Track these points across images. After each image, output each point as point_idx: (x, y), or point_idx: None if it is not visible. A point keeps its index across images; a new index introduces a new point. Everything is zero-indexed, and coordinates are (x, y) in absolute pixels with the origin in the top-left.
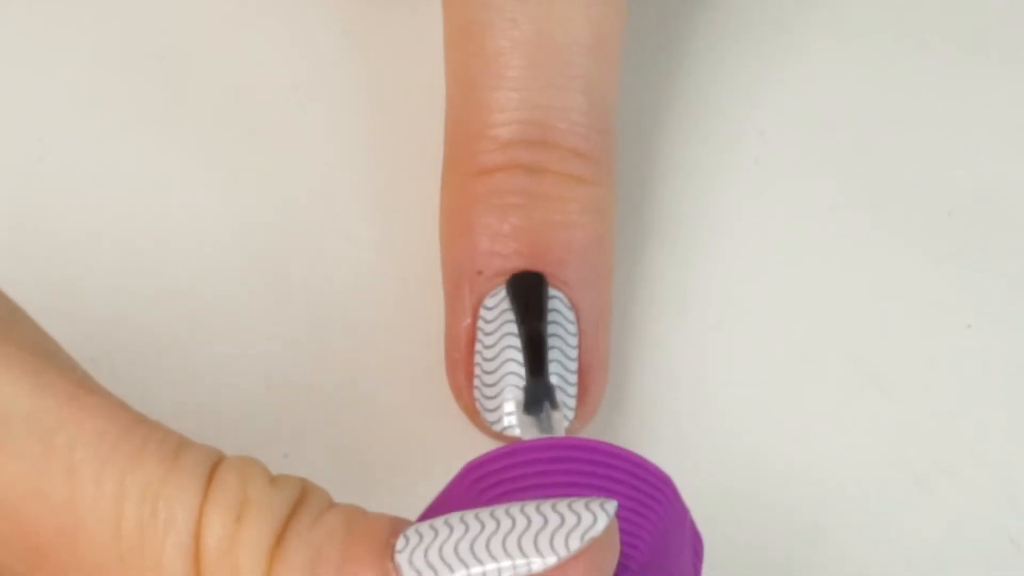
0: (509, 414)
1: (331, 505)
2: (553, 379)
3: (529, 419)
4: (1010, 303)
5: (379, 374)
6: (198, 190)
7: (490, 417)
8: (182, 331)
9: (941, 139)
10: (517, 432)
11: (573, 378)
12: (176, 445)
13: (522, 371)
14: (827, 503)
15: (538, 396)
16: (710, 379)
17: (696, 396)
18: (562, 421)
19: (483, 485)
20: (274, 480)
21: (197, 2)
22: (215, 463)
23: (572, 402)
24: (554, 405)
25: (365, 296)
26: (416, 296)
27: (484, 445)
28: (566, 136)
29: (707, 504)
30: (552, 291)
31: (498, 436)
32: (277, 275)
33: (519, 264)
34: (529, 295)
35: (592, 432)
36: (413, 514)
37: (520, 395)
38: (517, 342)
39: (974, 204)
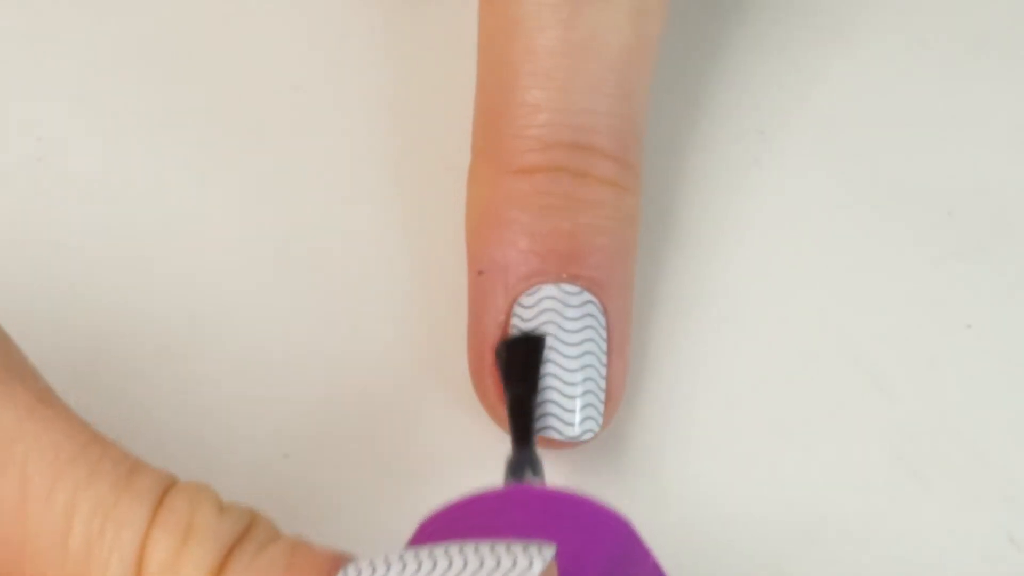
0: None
1: (276, 537)
2: (588, 385)
3: (512, 482)
4: (1010, 303)
5: (379, 374)
6: (198, 190)
7: None
8: (182, 331)
9: (941, 139)
10: (553, 435)
11: (603, 383)
12: (130, 467)
13: (561, 375)
14: (827, 502)
15: (521, 463)
16: (709, 378)
17: (695, 396)
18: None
19: (436, 537)
20: (224, 508)
21: (197, 2)
22: (166, 487)
23: (602, 407)
24: (536, 473)
25: (365, 295)
26: (418, 294)
27: (484, 446)
28: (608, 141)
29: (708, 503)
30: (588, 295)
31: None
32: (277, 275)
33: (556, 266)
34: (525, 357)
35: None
36: (414, 513)
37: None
38: (556, 343)
39: (974, 204)
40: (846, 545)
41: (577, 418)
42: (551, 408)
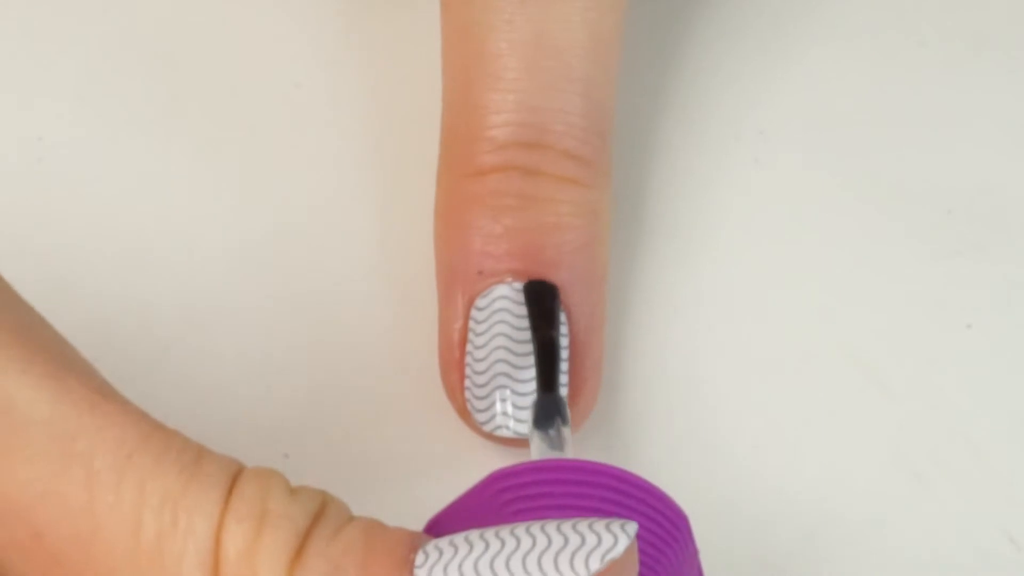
0: (502, 415)
1: (351, 518)
2: None
3: (538, 433)
4: (1010, 303)
5: (380, 374)
6: (198, 190)
7: (481, 417)
8: (182, 331)
9: (941, 138)
10: (506, 433)
11: (564, 379)
12: (196, 454)
13: (512, 372)
14: (826, 502)
15: (549, 411)
16: (709, 379)
17: (695, 396)
18: (570, 437)
19: (505, 498)
20: (294, 492)
21: (197, 2)
22: (235, 473)
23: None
24: (565, 421)
25: (366, 296)
26: (417, 296)
27: (483, 446)
28: (562, 138)
29: (704, 503)
30: None
31: (489, 436)
32: (277, 274)
33: (511, 266)
34: (543, 302)
35: (586, 432)
36: (414, 513)
37: (529, 408)
38: (507, 343)
39: (974, 203)
40: (846, 545)
41: (529, 415)
42: (504, 407)
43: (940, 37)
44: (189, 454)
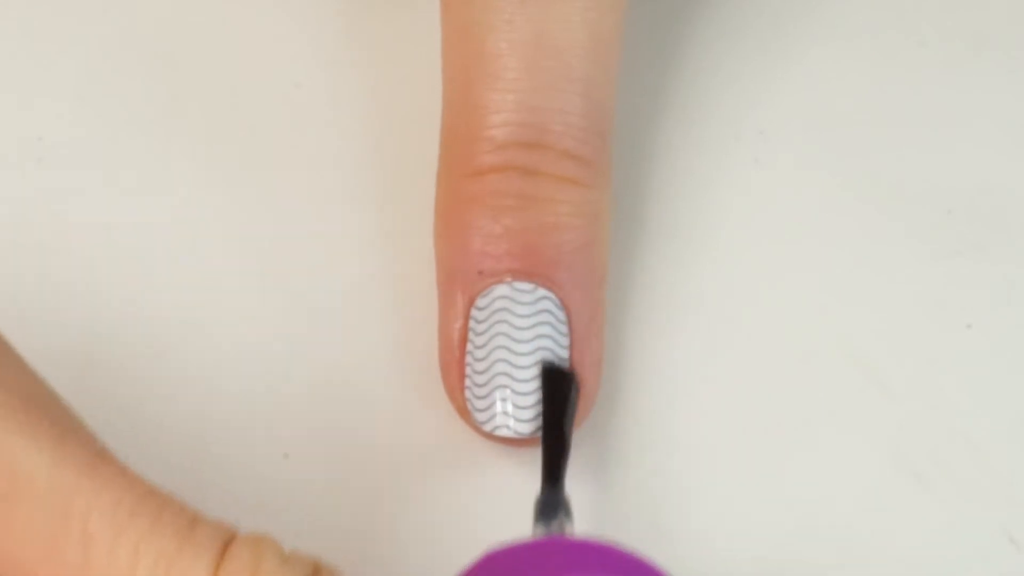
0: (502, 414)
1: None
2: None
3: (541, 527)
4: (1010, 303)
5: (380, 374)
6: (198, 189)
7: (481, 417)
8: (182, 331)
9: (941, 138)
10: (507, 433)
11: None
12: (191, 519)
13: (512, 372)
14: (826, 502)
15: (553, 508)
16: (708, 378)
17: (695, 396)
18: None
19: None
20: (286, 559)
21: (197, 2)
22: (228, 539)
23: None
24: (568, 516)
25: (366, 296)
26: (417, 296)
27: (482, 448)
28: (561, 138)
29: (703, 504)
30: (543, 291)
31: (489, 436)
32: (277, 274)
33: (511, 265)
34: (560, 389)
35: (585, 433)
36: (414, 513)
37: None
38: (507, 343)
39: (974, 203)
40: (846, 545)
41: (529, 415)
42: (504, 407)
43: (940, 37)
44: (184, 518)
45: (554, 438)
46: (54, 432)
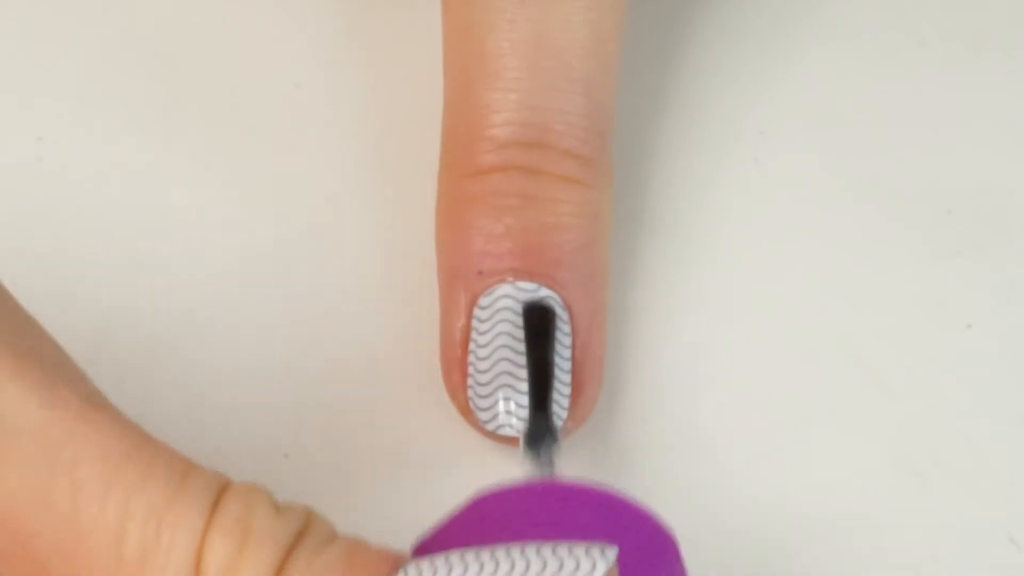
0: (505, 413)
1: (334, 537)
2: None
3: (528, 453)
4: (1010, 303)
5: (380, 374)
6: (198, 190)
7: (484, 416)
8: (182, 331)
9: (941, 138)
10: (510, 432)
11: (567, 378)
12: (183, 469)
13: (515, 371)
14: (826, 502)
15: (540, 433)
16: (709, 378)
17: (695, 396)
18: (559, 458)
19: (488, 521)
20: (279, 509)
21: (197, 2)
22: (221, 489)
23: (566, 402)
24: (555, 441)
25: (366, 296)
26: (418, 296)
27: (483, 447)
28: (562, 138)
29: (703, 503)
30: (545, 291)
31: (492, 435)
32: (277, 274)
33: (512, 265)
34: (540, 323)
35: (586, 432)
36: (414, 513)
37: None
38: (510, 342)
39: (974, 203)
40: (845, 545)
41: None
42: (507, 406)
43: (940, 37)
44: (176, 468)
45: (539, 368)
46: (42, 376)
